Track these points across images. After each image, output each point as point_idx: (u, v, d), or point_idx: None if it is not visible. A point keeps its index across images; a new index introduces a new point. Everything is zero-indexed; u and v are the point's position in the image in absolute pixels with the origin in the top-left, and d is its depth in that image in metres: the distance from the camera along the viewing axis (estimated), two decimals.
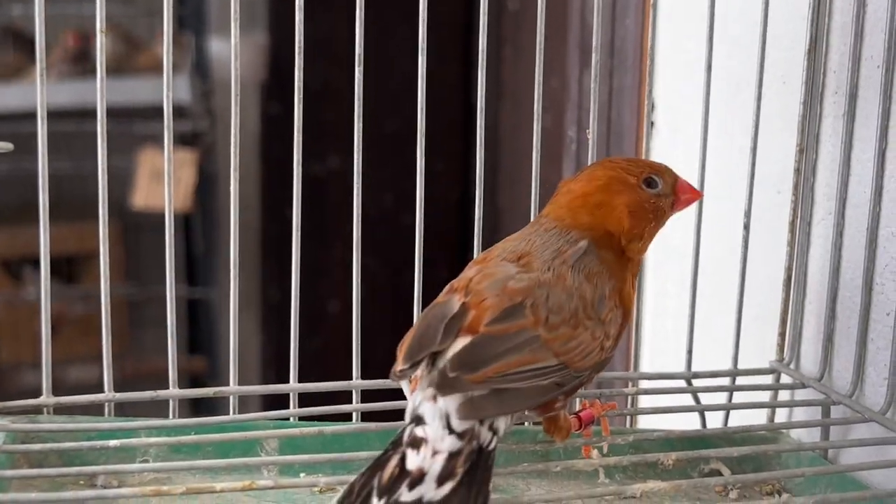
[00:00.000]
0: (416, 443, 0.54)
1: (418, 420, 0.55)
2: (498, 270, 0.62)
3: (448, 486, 0.53)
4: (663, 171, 0.67)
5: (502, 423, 0.57)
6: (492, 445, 0.56)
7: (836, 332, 0.76)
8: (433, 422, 0.55)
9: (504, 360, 0.57)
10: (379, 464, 0.54)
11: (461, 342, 0.58)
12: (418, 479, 0.53)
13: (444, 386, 0.56)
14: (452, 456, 0.54)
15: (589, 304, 0.61)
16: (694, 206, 0.79)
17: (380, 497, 0.52)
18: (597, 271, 0.63)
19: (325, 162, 2.07)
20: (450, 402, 0.55)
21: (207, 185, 2.05)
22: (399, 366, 0.58)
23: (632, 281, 0.66)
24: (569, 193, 0.66)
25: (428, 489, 0.52)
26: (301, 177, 0.74)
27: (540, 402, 0.59)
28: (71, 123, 1.77)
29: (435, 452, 0.54)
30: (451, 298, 0.61)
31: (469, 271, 0.63)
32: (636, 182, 0.66)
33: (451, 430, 0.54)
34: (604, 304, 0.62)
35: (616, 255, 0.65)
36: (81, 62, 2.00)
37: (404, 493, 0.52)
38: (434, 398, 0.56)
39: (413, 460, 0.53)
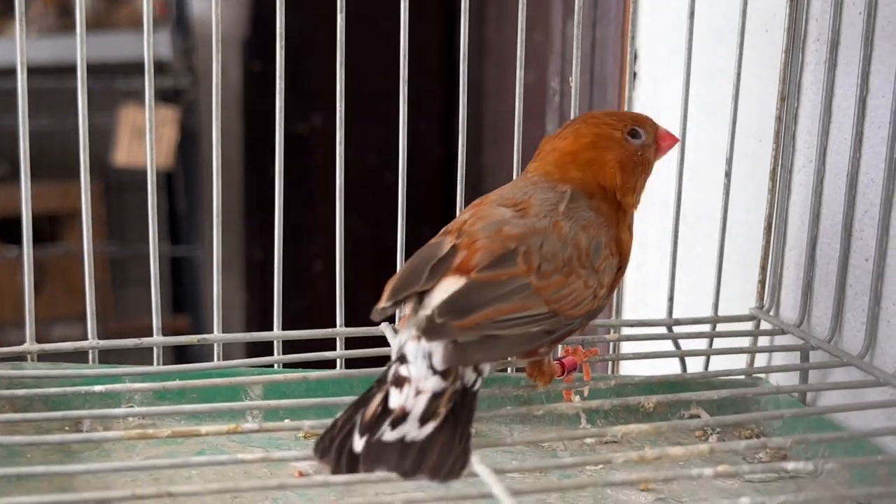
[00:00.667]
0: (400, 381, 0.55)
1: (402, 359, 0.56)
2: (493, 213, 0.62)
3: (431, 426, 0.53)
4: (644, 121, 0.68)
5: (487, 365, 0.57)
6: (476, 386, 0.56)
7: (816, 279, 0.76)
8: (416, 361, 0.55)
9: (493, 306, 0.57)
10: (363, 401, 0.55)
11: (449, 282, 0.58)
12: (401, 417, 0.53)
13: (431, 332, 0.56)
14: (436, 396, 0.54)
15: (584, 252, 0.61)
16: (676, 155, 0.79)
17: (362, 434, 0.53)
18: (593, 220, 0.63)
19: (308, 120, 2.07)
20: (436, 346, 0.56)
21: (189, 143, 2.04)
22: (381, 303, 0.59)
23: (628, 228, 0.66)
24: (555, 151, 0.66)
25: (411, 428, 0.53)
26: (283, 134, 0.74)
27: (531, 348, 0.60)
28: (52, 80, 1.75)
29: (418, 392, 0.54)
30: (444, 240, 0.61)
31: (464, 215, 0.63)
32: (622, 136, 0.66)
33: (434, 370, 0.55)
34: (599, 252, 0.62)
35: (611, 205, 0.65)
36: (62, 17, 1.98)
37: (387, 433, 0.53)
38: (418, 338, 0.56)
39: (396, 399, 0.54)
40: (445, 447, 0.52)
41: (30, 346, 0.71)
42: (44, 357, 0.72)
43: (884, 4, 0.70)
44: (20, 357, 0.71)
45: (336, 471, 0.52)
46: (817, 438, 0.63)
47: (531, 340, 0.59)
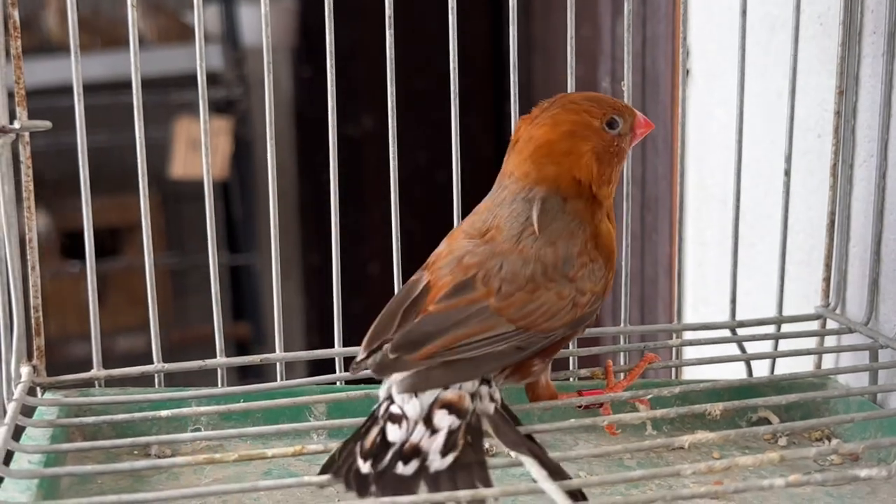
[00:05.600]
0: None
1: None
2: (458, 246, 0.63)
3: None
4: (623, 109, 0.65)
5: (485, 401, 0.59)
6: (489, 411, 0.58)
7: (882, 275, 0.75)
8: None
9: (450, 334, 0.58)
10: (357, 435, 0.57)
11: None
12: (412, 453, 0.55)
13: (382, 369, 0.58)
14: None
15: (550, 266, 0.61)
16: (734, 153, 0.78)
17: (364, 460, 0.54)
18: (564, 230, 0.62)
19: (359, 123, 2.07)
20: (395, 378, 0.57)
21: (244, 152, 2.06)
22: (359, 356, 0.60)
23: (608, 220, 0.65)
24: (531, 142, 0.64)
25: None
26: (336, 139, 0.74)
27: (501, 365, 0.60)
28: (106, 96, 1.77)
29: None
30: (421, 276, 0.62)
31: (440, 246, 0.64)
32: (600, 125, 0.64)
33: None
34: (571, 263, 0.61)
35: (586, 201, 0.64)
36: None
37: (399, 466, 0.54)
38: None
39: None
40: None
41: (97, 372, 0.72)
42: (111, 380, 0.73)
43: None
44: (88, 382, 0.72)
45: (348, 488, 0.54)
46: (890, 443, 0.62)
47: (501, 358, 0.59)
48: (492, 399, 0.59)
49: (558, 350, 0.64)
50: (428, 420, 0.56)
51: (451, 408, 0.56)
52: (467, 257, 0.61)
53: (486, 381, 0.59)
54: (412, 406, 0.56)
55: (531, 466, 0.55)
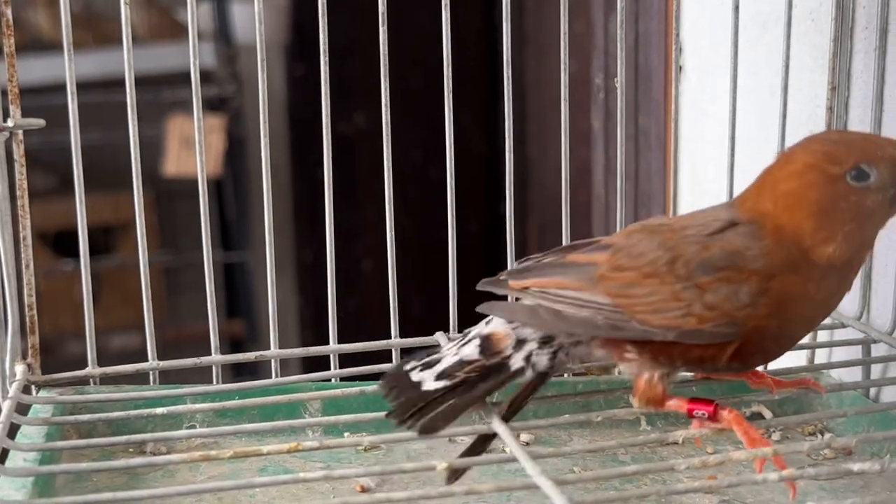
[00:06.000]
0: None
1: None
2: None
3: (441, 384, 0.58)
4: (880, 158, 0.55)
5: (544, 356, 0.59)
6: (514, 367, 0.59)
7: (874, 270, 0.75)
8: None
9: (548, 277, 0.59)
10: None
11: None
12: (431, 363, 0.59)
13: (489, 281, 0.61)
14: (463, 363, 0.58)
15: (682, 261, 0.56)
16: (727, 149, 0.78)
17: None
18: (731, 244, 0.56)
19: (353, 121, 2.07)
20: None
21: (237, 150, 2.05)
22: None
23: (812, 284, 0.56)
24: (764, 173, 0.59)
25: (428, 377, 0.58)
26: (330, 137, 0.74)
27: (579, 331, 0.58)
28: (100, 94, 1.77)
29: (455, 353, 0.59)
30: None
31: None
32: (840, 172, 0.55)
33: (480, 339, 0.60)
34: (709, 271, 0.55)
35: (791, 253, 0.56)
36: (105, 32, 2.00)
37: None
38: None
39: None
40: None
41: (92, 369, 0.72)
42: (105, 378, 0.73)
43: None
44: (83, 380, 0.72)
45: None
46: (883, 437, 0.62)
47: (582, 324, 0.57)
48: (529, 360, 0.58)
49: (668, 354, 0.57)
50: (463, 346, 0.59)
51: (485, 343, 0.59)
52: (632, 226, 0.62)
53: (547, 342, 0.59)
54: (476, 329, 0.60)
55: (525, 462, 0.55)
